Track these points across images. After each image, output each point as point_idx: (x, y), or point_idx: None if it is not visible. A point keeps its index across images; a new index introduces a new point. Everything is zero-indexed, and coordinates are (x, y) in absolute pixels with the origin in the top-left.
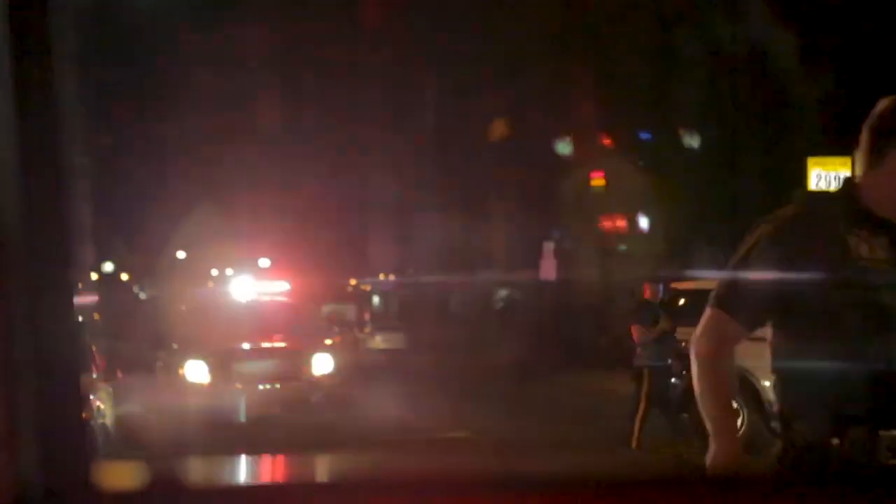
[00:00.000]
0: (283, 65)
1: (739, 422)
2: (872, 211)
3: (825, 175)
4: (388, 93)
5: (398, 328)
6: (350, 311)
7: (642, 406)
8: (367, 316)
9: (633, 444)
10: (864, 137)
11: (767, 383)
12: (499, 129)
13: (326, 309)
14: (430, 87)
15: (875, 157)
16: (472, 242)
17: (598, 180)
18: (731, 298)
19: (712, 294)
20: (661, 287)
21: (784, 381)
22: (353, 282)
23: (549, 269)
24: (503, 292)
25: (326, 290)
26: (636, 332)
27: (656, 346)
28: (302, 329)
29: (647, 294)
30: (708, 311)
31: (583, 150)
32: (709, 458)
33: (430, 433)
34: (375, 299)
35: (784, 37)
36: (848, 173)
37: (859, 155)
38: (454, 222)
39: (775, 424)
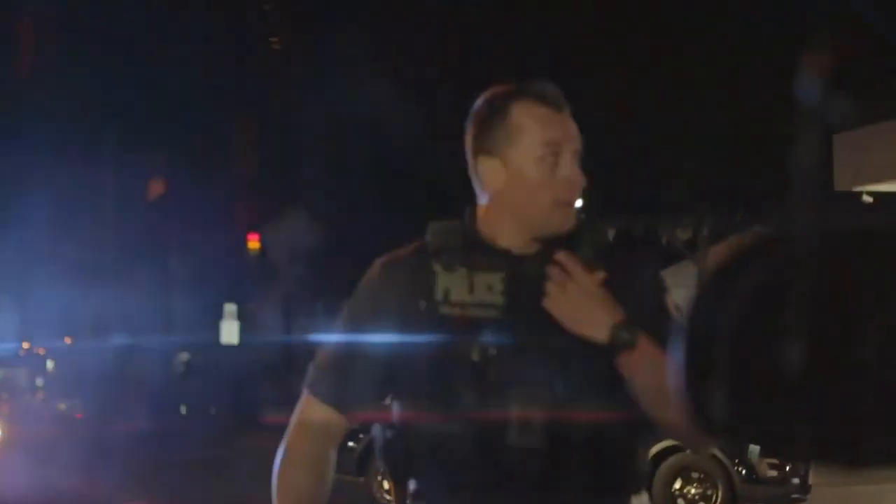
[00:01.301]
0: None
1: None
2: (487, 241)
3: None
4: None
5: (74, 393)
6: (22, 375)
7: None
8: (39, 381)
9: None
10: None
11: None
12: (158, 188)
13: None
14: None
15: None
16: (153, 304)
17: (254, 242)
18: (328, 380)
19: (308, 371)
20: None
21: (400, 445)
22: (25, 345)
23: (230, 332)
24: (185, 355)
25: None
26: None
27: None
28: None
29: None
30: (303, 395)
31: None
32: None
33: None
34: (50, 364)
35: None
36: None
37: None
38: (133, 283)
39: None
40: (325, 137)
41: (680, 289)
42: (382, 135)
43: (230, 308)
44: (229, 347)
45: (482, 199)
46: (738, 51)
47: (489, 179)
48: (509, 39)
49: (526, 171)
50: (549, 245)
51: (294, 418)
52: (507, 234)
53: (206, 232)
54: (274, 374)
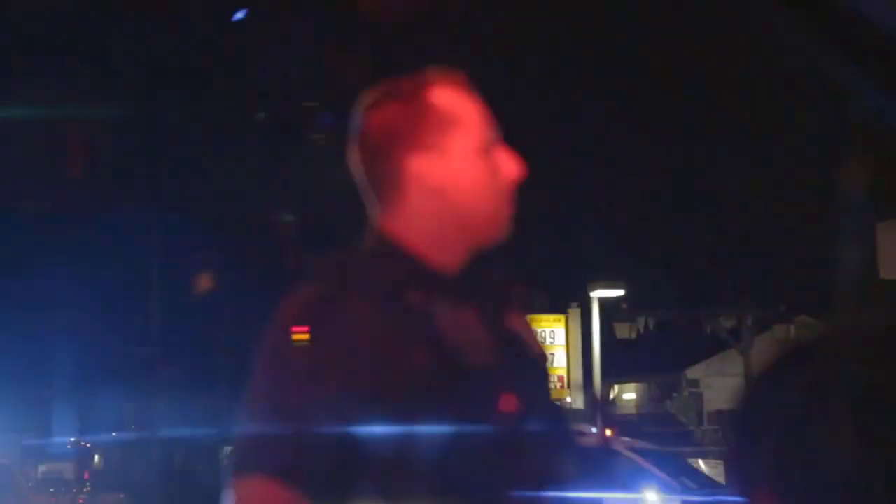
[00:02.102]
0: None
1: None
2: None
3: None
4: None
5: (120, 487)
6: (68, 469)
7: None
8: (86, 475)
9: None
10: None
11: None
12: (206, 282)
13: (43, 468)
14: None
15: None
16: (199, 397)
17: (298, 335)
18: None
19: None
20: None
21: None
22: (72, 438)
23: None
24: (229, 448)
25: (41, 447)
26: None
27: None
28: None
29: None
30: (255, 482)
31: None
32: None
33: None
34: (97, 457)
35: None
36: None
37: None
38: (179, 376)
39: None
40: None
41: (725, 377)
42: None
43: None
44: None
45: (393, 209)
46: (787, 152)
47: (420, 178)
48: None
49: (469, 167)
50: (477, 263)
51: None
52: (440, 248)
53: (251, 325)
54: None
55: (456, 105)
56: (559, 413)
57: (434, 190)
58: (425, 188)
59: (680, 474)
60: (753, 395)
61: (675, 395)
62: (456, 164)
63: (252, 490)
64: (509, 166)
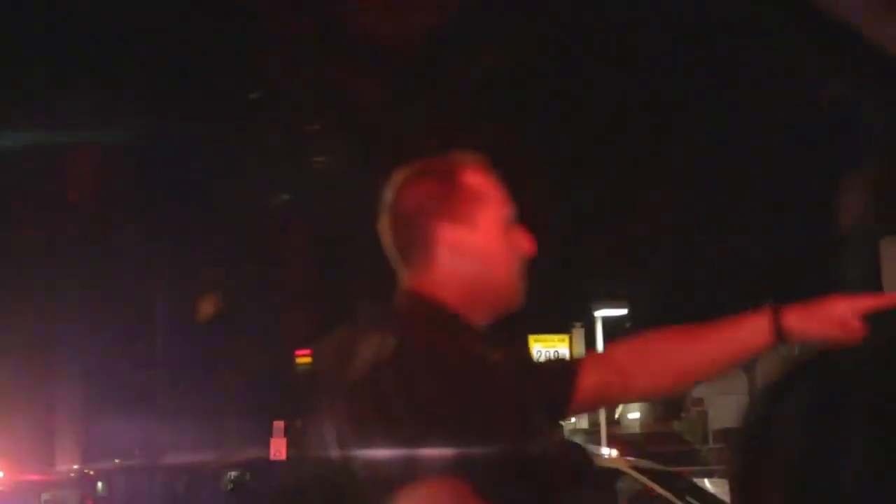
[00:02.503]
0: None
1: None
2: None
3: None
4: None
5: None
6: (72, 498)
7: None
8: (90, 502)
9: None
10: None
11: None
12: (209, 308)
13: (45, 497)
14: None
15: (419, 245)
16: (201, 422)
17: (302, 358)
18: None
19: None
20: None
21: None
22: (75, 466)
23: (279, 449)
24: (232, 474)
25: (46, 476)
26: None
27: None
28: None
29: None
30: (436, 486)
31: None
32: None
33: None
34: (99, 484)
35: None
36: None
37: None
38: (182, 401)
39: None
40: (374, 251)
41: (729, 395)
42: None
43: (278, 425)
44: (278, 464)
45: (425, 274)
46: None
47: (455, 247)
48: None
49: (494, 240)
50: (498, 326)
51: None
52: (472, 308)
53: (254, 348)
54: (322, 490)
55: (484, 184)
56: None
57: (468, 257)
58: (460, 256)
59: (686, 494)
60: (758, 412)
61: (682, 414)
62: (485, 236)
63: (442, 489)
64: (524, 242)
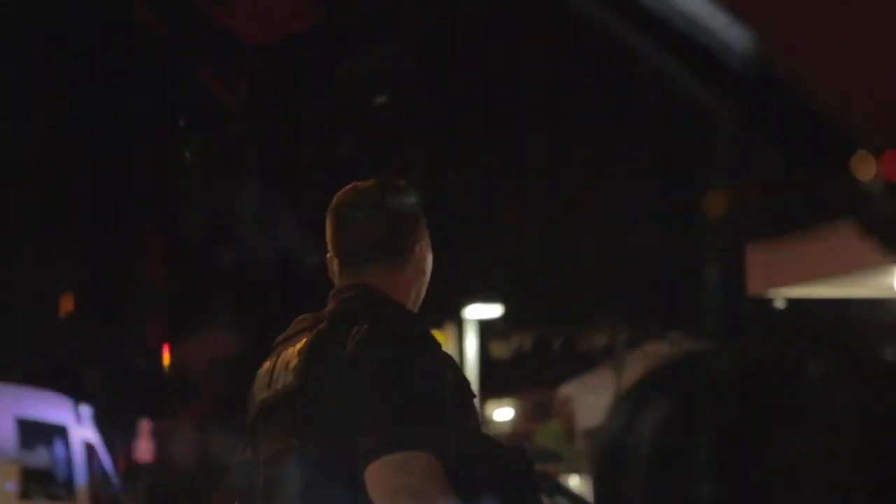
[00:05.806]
0: None
1: None
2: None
3: None
4: None
5: None
6: None
7: None
8: None
9: None
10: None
11: None
12: (67, 305)
13: None
14: None
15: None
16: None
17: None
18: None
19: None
20: None
21: None
22: None
23: (145, 449)
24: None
25: None
26: None
27: None
28: None
29: None
30: (420, 457)
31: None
32: None
33: None
34: None
35: None
36: None
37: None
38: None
39: None
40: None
41: (599, 394)
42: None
43: (142, 424)
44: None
45: (392, 275)
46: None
47: (424, 260)
48: None
49: (427, 249)
50: None
51: (426, 482)
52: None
53: (119, 346)
54: (190, 491)
55: (415, 207)
56: None
57: (423, 265)
58: (423, 263)
59: (553, 493)
60: (618, 414)
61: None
62: (426, 250)
63: (416, 461)
64: (429, 251)
